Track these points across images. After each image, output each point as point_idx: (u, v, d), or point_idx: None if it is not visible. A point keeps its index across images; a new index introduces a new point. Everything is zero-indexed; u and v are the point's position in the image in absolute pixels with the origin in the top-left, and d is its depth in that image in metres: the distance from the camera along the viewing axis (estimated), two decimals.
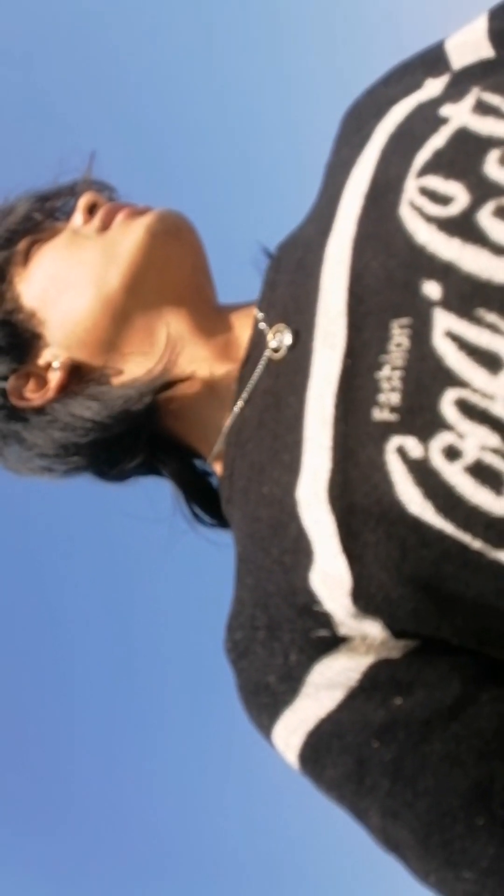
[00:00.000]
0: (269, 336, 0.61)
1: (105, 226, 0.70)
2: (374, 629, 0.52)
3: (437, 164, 0.52)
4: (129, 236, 0.68)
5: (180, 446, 0.71)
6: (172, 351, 0.67)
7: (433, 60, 0.66)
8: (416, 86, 0.65)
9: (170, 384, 0.67)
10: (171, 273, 0.68)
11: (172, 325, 0.68)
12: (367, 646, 0.52)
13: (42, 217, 0.76)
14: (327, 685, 0.52)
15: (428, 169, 0.53)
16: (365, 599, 0.50)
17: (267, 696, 0.55)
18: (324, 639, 0.53)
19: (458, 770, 0.46)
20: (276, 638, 0.55)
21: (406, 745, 0.48)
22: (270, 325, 0.62)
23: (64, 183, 0.79)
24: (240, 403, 0.64)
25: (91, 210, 0.73)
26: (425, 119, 0.56)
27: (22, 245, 0.74)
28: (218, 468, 0.69)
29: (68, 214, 0.77)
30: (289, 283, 0.63)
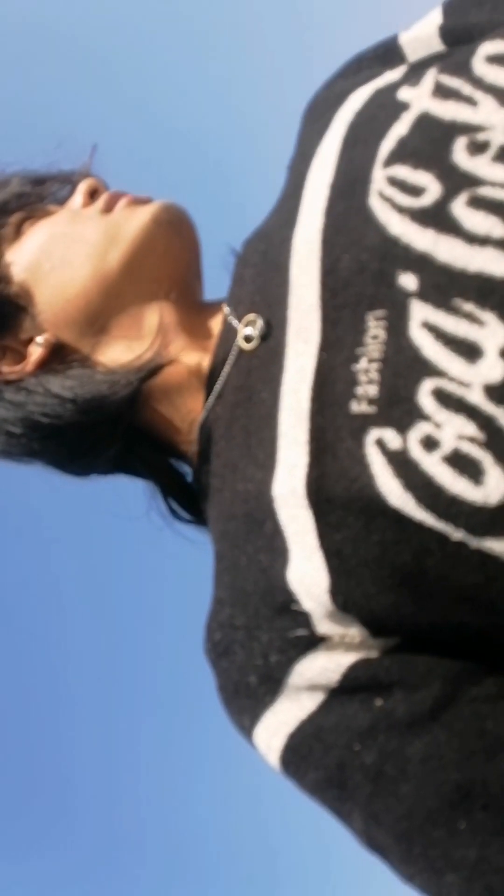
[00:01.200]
0: (240, 327, 0.60)
1: (108, 208, 0.69)
2: (352, 628, 0.51)
3: (403, 153, 0.52)
4: (134, 221, 0.67)
5: (156, 439, 0.70)
6: (165, 337, 0.66)
7: (388, 53, 0.67)
8: (373, 76, 0.64)
9: (156, 370, 0.65)
10: (169, 263, 0.68)
11: (162, 308, 0.67)
12: (346, 645, 0.51)
13: (35, 196, 0.74)
14: (307, 686, 0.51)
15: (394, 158, 0.52)
16: (343, 596, 0.50)
17: (247, 698, 0.54)
18: (302, 638, 0.52)
19: (439, 773, 0.46)
20: (254, 638, 0.54)
21: (387, 747, 0.48)
22: (240, 318, 0.61)
23: (61, 170, 0.78)
24: (211, 399, 0.63)
25: (92, 195, 0.72)
26: (384, 105, 0.56)
27: (14, 218, 0.72)
28: (191, 456, 0.67)
29: (61, 201, 0.76)
30: (255, 276, 0.62)
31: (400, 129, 0.53)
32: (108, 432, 0.67)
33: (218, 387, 0.62)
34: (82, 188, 0.72)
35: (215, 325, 0.67)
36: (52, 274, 0.68)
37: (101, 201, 0.70)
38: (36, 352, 0.69)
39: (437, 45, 0.64)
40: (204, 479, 0.63)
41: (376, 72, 0.65)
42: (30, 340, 0.69)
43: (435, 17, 0.64)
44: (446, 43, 0.63)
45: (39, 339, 0.69)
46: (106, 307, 0.67)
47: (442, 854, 0.45)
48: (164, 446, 0.70)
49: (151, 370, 0.65)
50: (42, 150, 0.79)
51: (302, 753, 0.51)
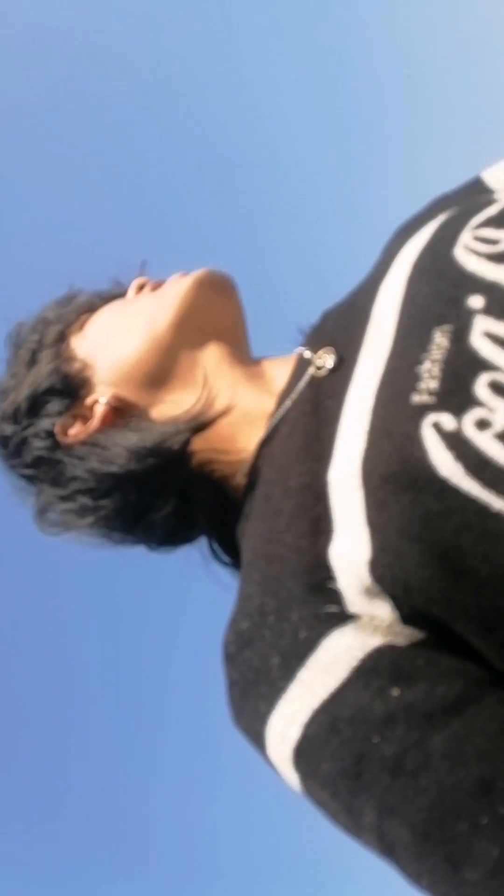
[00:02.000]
0: (315, 358, 0.67)
1: (156, 288, 0.81)
2: (383, 610, 0.52)
3: (490, 222, 0.62)
4: (180, 285, 0.77)
5: (211, 480, 0.74)
6: (212, 388, 0.73)
7: (472, 187, 0.78)
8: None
9: (206, 424, 0.72)
10: (214, 318, 0.76)
11: (212, 357, 0.75)
12: (374, 626, 0.52)
13: (100, 304, 0.86)
14: (330, 663, 0.52)
15: (482, 225, 0.62)
16: (382, 568, 0.51)
17: (265, 684, 0.54)
18: (333, 614, 0.53)
19: (462, 768, 0.45)
20: (285, 619, 0.55)
21: (407, 740, 0.47)
22: (315, 352, 0.68)
23: (121, 286, 0.90)
24: (274, 419, 0.68)
25: (141, 288, 0.83)
26: (479, 202, 0.67)
27: (81, 318, 0.84)
28: (239, 490, 0.71)
29: None
30: (337, 319, 0.70)
31: (490, 211, 0.63)
32: (164, 483, 0.73)
33: (283, 410, 0.68)
34: (133, 283, 0.84)
35: (278, 368, 0.75)
36: (110, 343, 0.79)
37: (150, 286, 0.82)
38: (99, 410, 0.77)
39: None
40: (251, 494, 0.67)
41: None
42: (94, 403, 0.78)
43: None
44: None
45: (102, 399, 0.77)
46: (159, 360, 0.75)
47: (463, 848, 0.44)
48: (216, 486, 0.74)
49: (200, 424, 0.72)
50: (104, 270, 0.93)
51: (318, 744, 0.50)
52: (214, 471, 0.74)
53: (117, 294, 0.88)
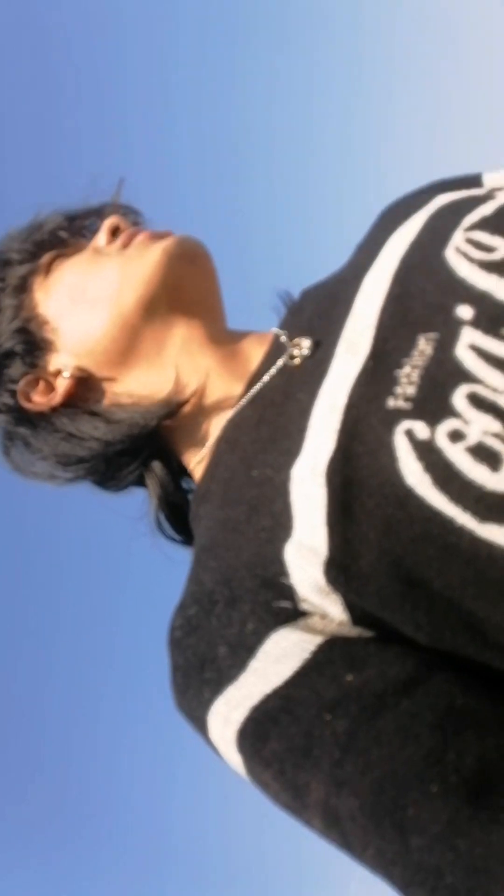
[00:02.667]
0: (291, 346, 0.66)
1: (125, 245, 0.75)
2: (334, 609, 0.52)
3: (484, 225, 0.59)
4: (148, 257, 0.71)
5: (171, 454, 0.74)
6: (183, 368, 0.71)
7: (471, 182, 0.74)
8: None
9: (175, 409, 0.70)
10: (184, 292, 0.72)
11: (182, 336, 0.72)
12: (324, 624, 0.52)
13: (68, 235, 0.81)
14: (280, 655, 0.52)
15: (475, 227, 0.59)
16: (336, 570, 0.51)
17: (211, 671, 0.54)
18: (284, 610, 0.53)
19: (412, 742, 0.46)
20: (234, 609, 0.55)
21: (360, 718, 0.48)
22: (291, 339, 0.66)
23: (92, 205, 0.85)
24: (243, 402, 0.66)
25: (115, 232, 0.77)
26: (473, 198, 0.64)
27: (45, 258, 0.78)
28: (199, 472, 0.70)
29: (93, 233, 0.81)
30: (316, 306, 0.68)
31: (485, 210, 0.61)
32: (130, 460, 0.73)
33: (251, 394, 0.66)
34: (105, 226, 0.78)
35: (253, 346, 0.72)
36: (74, 311, 0.74)
37: (119, 240, 0.75)
38: (63, 384, 0.74)
39: None
40: (211, 476, 0.66)
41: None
42: (58, 373, 0.75)
43: None
44: None
45: (66, 372, 0.74)
46: (125, 339, 0.72)
47: (412, 815, 0.45)
48: (178, 461, 0.74)
49: (169, 411, 0.70)
50: (77, 185, 0.87)
51: (266, 724, 0.51)
52: (176, 449, 0.73)
53: (88, 217, 0.83)
